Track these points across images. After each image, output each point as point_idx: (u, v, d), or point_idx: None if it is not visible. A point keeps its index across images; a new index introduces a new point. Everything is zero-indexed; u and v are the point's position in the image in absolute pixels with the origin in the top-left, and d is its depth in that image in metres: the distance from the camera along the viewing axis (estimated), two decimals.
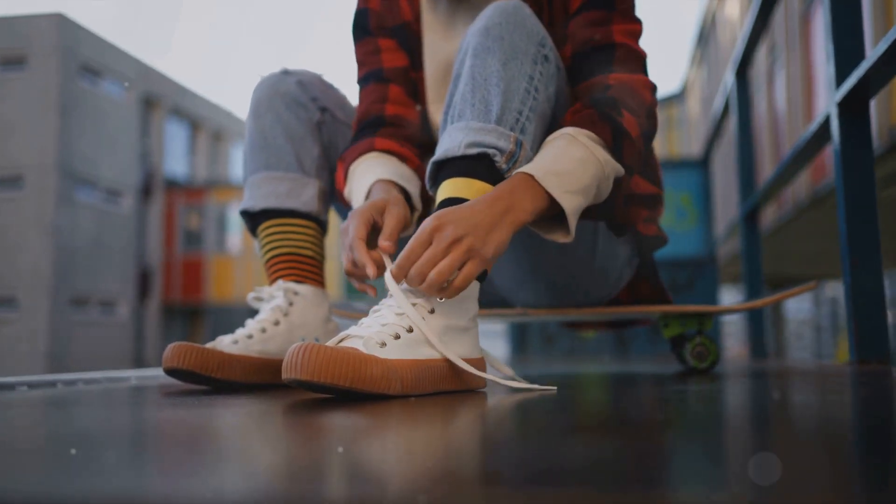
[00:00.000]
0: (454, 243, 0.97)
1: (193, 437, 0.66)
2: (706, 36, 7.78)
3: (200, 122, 17.74)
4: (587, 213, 1.16)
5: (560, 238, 1.10)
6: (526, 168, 1.07)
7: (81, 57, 13.92)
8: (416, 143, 1.37)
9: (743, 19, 5.32)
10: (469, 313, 1.03)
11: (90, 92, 14.13)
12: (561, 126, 1.18)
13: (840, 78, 1.63)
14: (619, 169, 1.14)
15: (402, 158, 1.30)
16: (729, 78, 3.21)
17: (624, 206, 1.24)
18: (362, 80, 1.41)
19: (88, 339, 13.77)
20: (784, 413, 0.81)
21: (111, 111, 14.67)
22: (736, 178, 4.53)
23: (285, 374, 0.88)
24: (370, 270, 1.05)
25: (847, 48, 1.64)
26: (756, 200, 2.86)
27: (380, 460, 0.54)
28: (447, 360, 0.99)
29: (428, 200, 1.31)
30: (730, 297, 10.98)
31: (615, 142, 1.13)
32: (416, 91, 1.41)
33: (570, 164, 1.08)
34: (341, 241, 1.12)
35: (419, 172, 1.30)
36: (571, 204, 1.06)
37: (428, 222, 0.98)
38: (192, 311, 17.02)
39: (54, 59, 13.41)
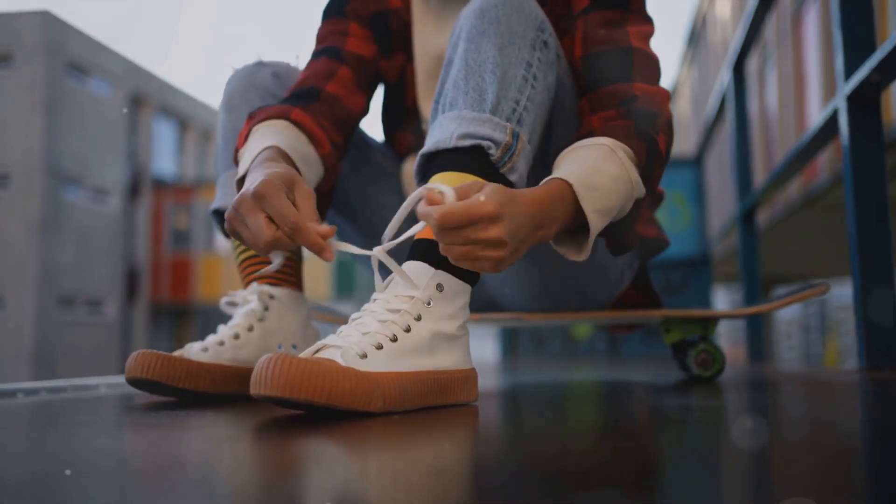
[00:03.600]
0: (492, 245, 0.86)
1: (145, 472, 0.57)
2: (697, 36, 7.72)
3: (189, 120, 17.61)
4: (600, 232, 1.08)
5: (571, 255, 1.01)
6: (563, 174, 0.97)
7: (68, 55, 13.78)
8: (345, 131, 1.24)
9: (734, 19, 5.26)
10: (459, 320, 0.95)
11: (77, 90, 13.99)
12: (575, 122, 1.11)
13: (849, 70, 1.55)
14: (643, 190, 1.07)
15: (312, 138, 1.16)
16: (725, 74, 3.13)
17: (636, 228, 1.15)
18: (315, 53, 1.30)
19: (75, 338, 13.63)
20: (808, 434, 0.72)
21: (98, 109, 14.53)
22: (729, 178, 4.46)
23: (254, 390, 0.79)
24: (328, 255, 0.90)
25: (856, 39, 1.56)
26: (754, 200, 2.78)
27: (360, 490, 0.47)
28: (435, 373, 0.90)
29: (323, 192, 1.22)
30: (723, 296, 10.94)
31: (648, 163, 1.06)
32: (368, 85, 1.30)
33: (604, 180, 0.99)
34: (246, 204, 0.92)
35: (326, 161, 1.17)
36: (596, 224, 0.98)
37: (493, 200, 0.84)
38: (180, 311, 16.89)
39: (41, 57, 13.27)
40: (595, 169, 0.99)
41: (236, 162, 1.16)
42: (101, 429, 0.78)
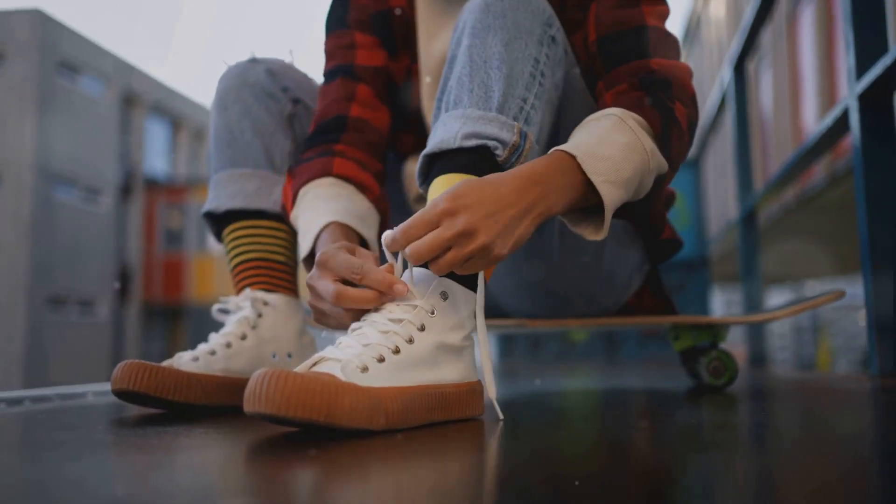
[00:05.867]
0: (464, 236, 0.82)
1: None
2: (691, 36, 7.68)
3: (182, 120, 17.51)
4: (620, 211, 1.01)
5: (589, 234, 0.95)
6: (565, 146, 0.92)
7: (60, 53, 13.68)
8: (380, 154, 1.22)
9: (729, 19, 5.21)
10: (465, 330, 0.89)
11: (69, 89, 13.89)
12: (589, 109, 1.06)
13: (861, 69, 1.51)
14: (663, 163, 1.00)
15: (360, 187, 1.14)
16: (726, 74, 3.09)
17: (662, 207, 1.09)
18: (329, 74, 1.26)
19: (67, 339, 13.54)
20: (838, 455, 0.68)
21: (90, 109, 14.44)
22: (723, 179, 4.41)
23: (248, 407, 0.74)
24: (400, 287, 0.86)
25: (869, 37, 1.52)
26: (756, 200, 2.74)
27: None
28: (439, 387, 0.85)
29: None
30: (718, 297, 10.92)
31: (664, 131, 0.99)
32: (388, 95, 1.27)
33: (614, 150, 0.93)
34: (313, 277, 0.92)
35: (378, 204, 1.15)
36: (611, 196, 0.91)
37: (441, 200, 0.83)
38: (173, 311, 16.79)
39: (32, 56, 13.16)
40: (602, 139, 0.93)
41: (288, 221, 1.17)
42: (81, 450, 0.72)
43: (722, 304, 11.19)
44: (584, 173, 0.90)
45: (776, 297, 9.63)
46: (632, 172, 0.94)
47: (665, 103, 1.00)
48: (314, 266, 0.91)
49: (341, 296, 0.87)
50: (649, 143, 0.97)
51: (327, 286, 0.88)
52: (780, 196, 3.80)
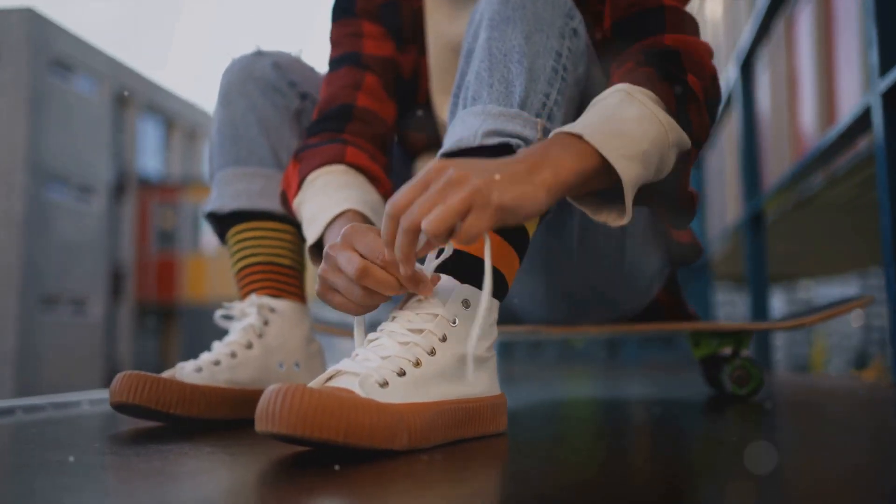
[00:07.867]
0: (454, 184, 0.72)
1: None
2: None
3: (175, 119, 17.41)
4: (644, 197, 0.91)
5: (613, 220, 0.86)
6: (567, 127, 0.83)
7: (52, 52, 13.59)
8: (386, 148, 1.16)
9: (726, 20, 5.17)
10: (487, 340, 0.84)
11: (61, 88, 13.79)
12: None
13: (885, 66, 1.46)
14: (683, 138, 0.90)
15: (372, 179, 1.08)
16: (732, 72, 3.04)
17: (689, 189, 1.00)
18: (334, 62, 1.19)
19: (59, 339, 13.45)
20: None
21: (83, 107, 14.34)
22: (722, 179, 4.36)
23: (260, 427, 0.68)
24: (426, 289, 0.80)
25: (893, 34, 1.47)
26: (763, 202, 2.70)
27: None
28: (463, 402, 0.80)
29: None
30: (720, 296, 10.89)
31: (679, 105, 0.90)
32: (395, 87, 1.20)
33: (625, 124, 0.84)
34: (335, 246, 0.81)
35: (389, 198, 1.09)
36: (629, 172, 0.81)
37: (429, 165, 0.75)
38: (166, 311, 16.70)
39: (24, 54, 13.07)
40: (610, 116, 0.84)
41: (287, 207, 1.11)
42: (77, 476, 0.66)
43: (720, 303, 11.17)
44: (594, 151, 0.81)
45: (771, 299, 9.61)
46: (648, 145, 0.84)
47: (676, 75, 0.91)
48: (339, 236, 0.82)
49: (366, 272, 0.78)
50: (664, 116, 0.88)
51: (351, 258, 0.79)
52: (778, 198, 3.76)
